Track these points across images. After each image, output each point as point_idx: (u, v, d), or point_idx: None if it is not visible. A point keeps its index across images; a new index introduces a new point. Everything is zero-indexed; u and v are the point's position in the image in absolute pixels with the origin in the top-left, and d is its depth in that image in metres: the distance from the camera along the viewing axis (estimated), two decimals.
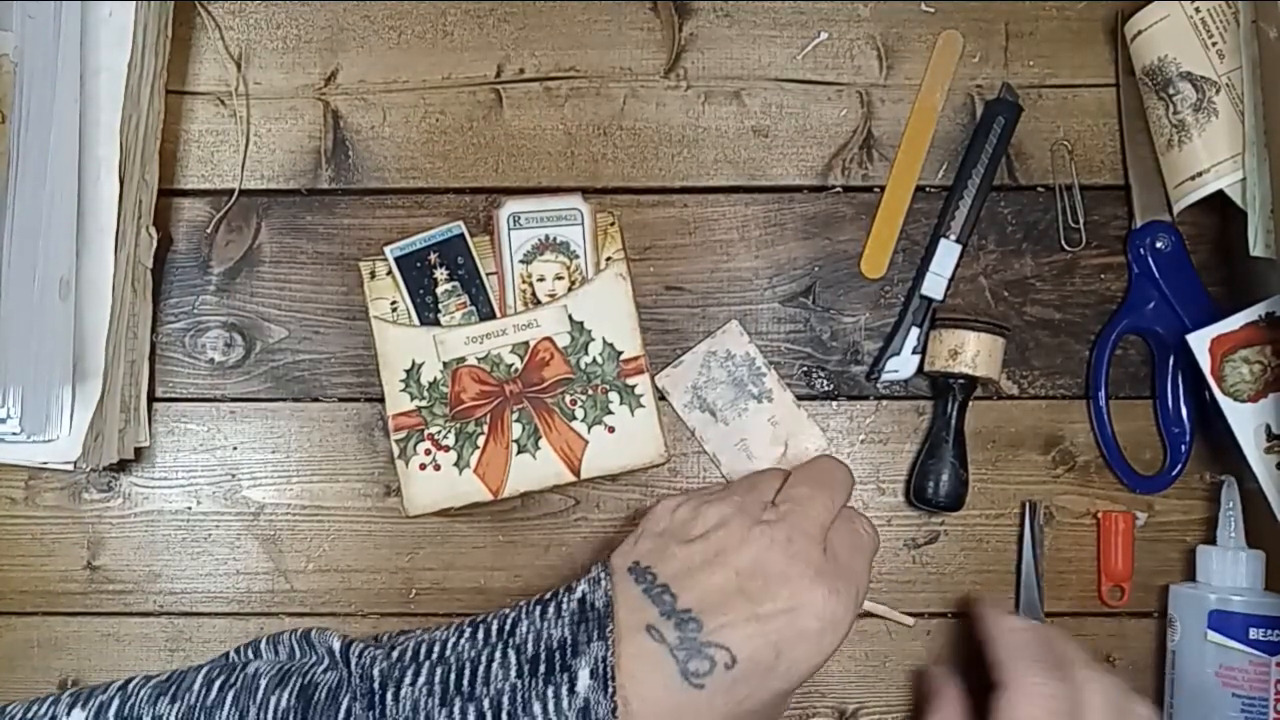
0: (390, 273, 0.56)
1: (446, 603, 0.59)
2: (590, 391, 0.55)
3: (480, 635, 0.44)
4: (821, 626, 0.44)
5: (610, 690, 0.41)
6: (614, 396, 0.55)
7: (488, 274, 0.56)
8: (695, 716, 0.43)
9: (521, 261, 0.56)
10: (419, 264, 0.56)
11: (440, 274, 0.56)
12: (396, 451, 0.55)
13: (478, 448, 0.55)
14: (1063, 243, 0.60)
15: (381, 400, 0.56)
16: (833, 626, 0.45)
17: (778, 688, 0.44)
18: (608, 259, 0.56)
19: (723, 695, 0.43)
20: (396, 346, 0.56)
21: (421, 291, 0.56)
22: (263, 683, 0.44)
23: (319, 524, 0.59)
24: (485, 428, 0.55)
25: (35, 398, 0.53)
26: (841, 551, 0.47)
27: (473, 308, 0.56)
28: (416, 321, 0.56)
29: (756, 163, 0.60)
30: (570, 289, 0.56)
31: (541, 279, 0.56)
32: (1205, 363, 0.55)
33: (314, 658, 0.46)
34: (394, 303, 0.56)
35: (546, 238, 0.56)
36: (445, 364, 0.55)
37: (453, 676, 0.42)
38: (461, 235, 0.55)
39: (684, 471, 0.59)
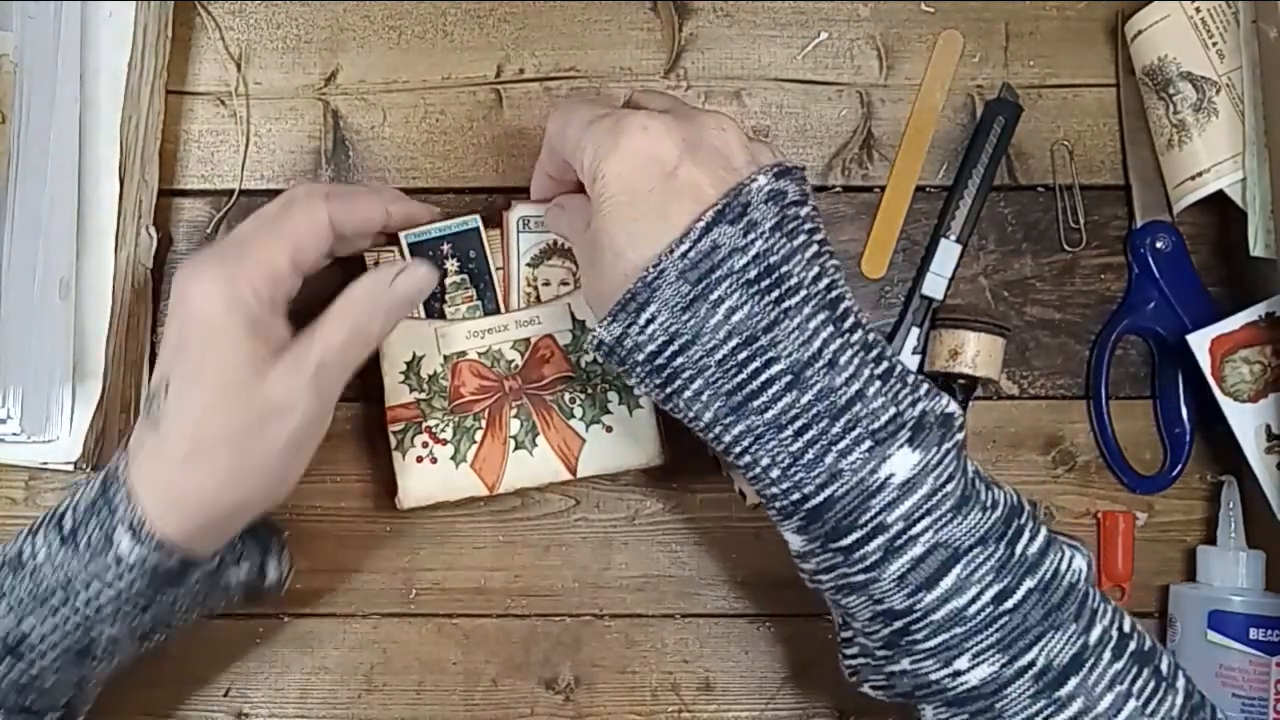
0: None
1: (447, 603, 0.59)
2: (590, 390, 0.55)
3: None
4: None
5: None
6: (613, 396, 0.56)
7: (496, 269, 0.56)
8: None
9: (529, 265, 0.56)
10: (430, 252, 0.56)
11: (451, 265, 0.55)
12: (394, 444, 0.55)
13: (475, 442, 0.55)
14: (1063, 243, 0.60)
15: (382, 400, 0.56)
16: None
17: None
18: None
19: None
20: (398, 338, 0.55)
21: None
22: None
23: (319, 524, 0.59)
24: (483, 422, 0.55)
25: (35, 398, 0.53)
26: None
27: (479, 302, 0.56)
28: (421, 309, 0.56)
29: None
30: (573, 291, 0.56)
31: (547, 283, 0.56)
32: (1205, 363, 0.55)
33: None
34: None
35: (555, 242, 0.56)
36: (446, 357, 0.55)
37: None
38: (477, 230, 0.55)
39: (683, 473, 0.59)
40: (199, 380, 0.44)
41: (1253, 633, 0.54)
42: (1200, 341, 0.56)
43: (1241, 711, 0.54)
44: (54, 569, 0.45)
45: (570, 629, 0.59)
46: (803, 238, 0.43)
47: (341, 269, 0.59)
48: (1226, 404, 0.55)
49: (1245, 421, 0.55)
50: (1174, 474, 0.59)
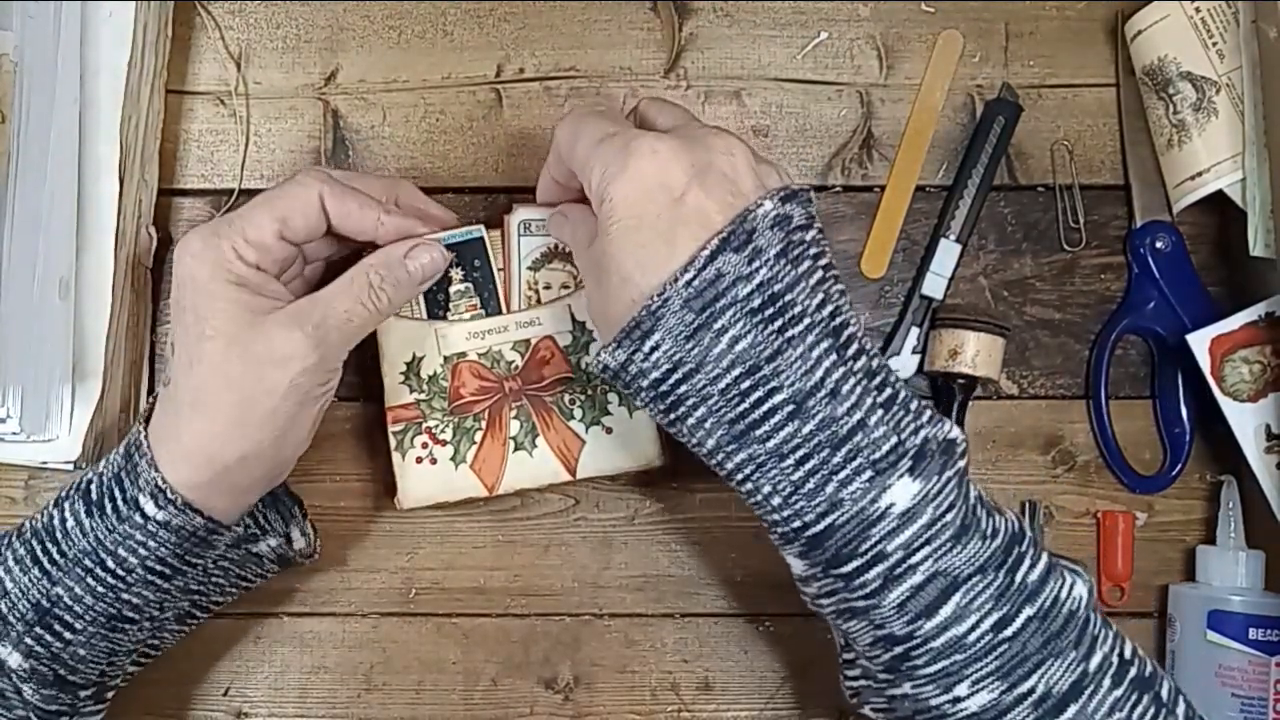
0: None
1: (446, 602, 0.59)
2: (589, 391, 0.55)
3: None
4: None
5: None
6: (613, 397, 0.55)
7: (498, 269, 0.56)
8: None
9: (530, 268, 0.56)
10: None
11: (456, 274, 0.55)
12: (393, 444, 0.55)
13: (475, 443, 0.55)
14: (1063, 243, 0.60)
15: (381, 400, 0.56)
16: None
17: None
18: None
19: None
20: (398, 339, 0.55)
21: (434, 288, 0.55)
22: None
23: (319, 523, 0.59)
24: (483, 423, 0.55)
25: (35, 397, 0.53)
26: None
27: (482, 310, 0.56)
28: (425, 315, 0.55)
29: None
30: (574, 293, 0.56)
31: (548, 286, 0.56)
32: (1205, 363, 0.55)
33: None
34: None
35: (556, 246, 0.56)
36: (446, 358, 0.55)
37: None
38: (481, 239, 0.55)
39: (683, 473, 0.59)
40: (198, 333, 0.46)
41: (1252, 632, 0.54)
42: (1200, 341, 0.56)
43: (1241, 711, 0.54)
44: (84, 534, 0.46)
45: (570, 628, 0.59)
46: (807, 264, 0.43)
47: None
48: (1226, 404, 0.55)
49: (1245, 421, 0.55)
50: (1174, 474, 0.59)
